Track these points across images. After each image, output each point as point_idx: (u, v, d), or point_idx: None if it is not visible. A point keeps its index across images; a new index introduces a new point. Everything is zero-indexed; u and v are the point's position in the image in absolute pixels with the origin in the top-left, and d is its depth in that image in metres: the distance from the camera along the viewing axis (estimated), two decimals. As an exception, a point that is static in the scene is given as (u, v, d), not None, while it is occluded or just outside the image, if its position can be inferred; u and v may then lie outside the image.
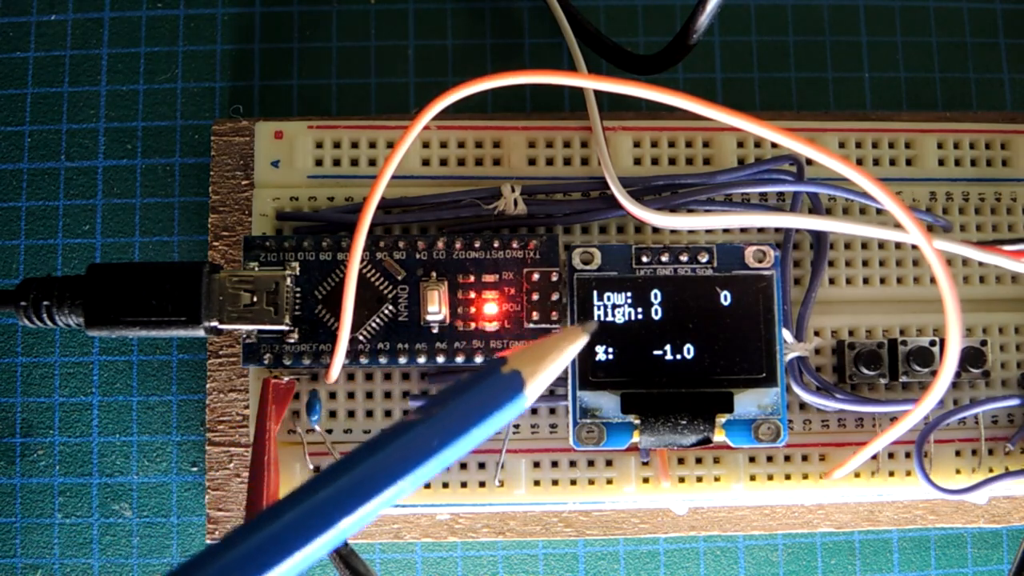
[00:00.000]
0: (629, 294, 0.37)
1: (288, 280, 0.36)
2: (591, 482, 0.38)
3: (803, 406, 0.39)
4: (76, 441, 0.43)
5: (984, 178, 0.41)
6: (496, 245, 0.37)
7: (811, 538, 0.44)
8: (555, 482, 0.39)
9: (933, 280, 0.40)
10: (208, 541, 0.40)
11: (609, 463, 0.39)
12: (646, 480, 0.39)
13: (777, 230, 0.40)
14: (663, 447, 0.37)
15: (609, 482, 0.38)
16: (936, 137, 0.41)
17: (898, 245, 0.40)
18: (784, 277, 0.38)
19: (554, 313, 0.37)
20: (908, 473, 0.39)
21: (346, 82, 0.45)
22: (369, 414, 0.39)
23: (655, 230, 0.39)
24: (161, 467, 0.43)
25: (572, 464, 0.39)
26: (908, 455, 0.39)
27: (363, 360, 0.37)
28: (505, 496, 0.38)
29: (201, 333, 0.35)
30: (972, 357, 0.39)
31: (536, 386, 0.27)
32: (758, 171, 0.39)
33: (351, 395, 0.39)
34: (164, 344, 0.43)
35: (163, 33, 0.45)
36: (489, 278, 0.37)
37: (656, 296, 0.37)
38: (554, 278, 0.37)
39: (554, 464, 0.39)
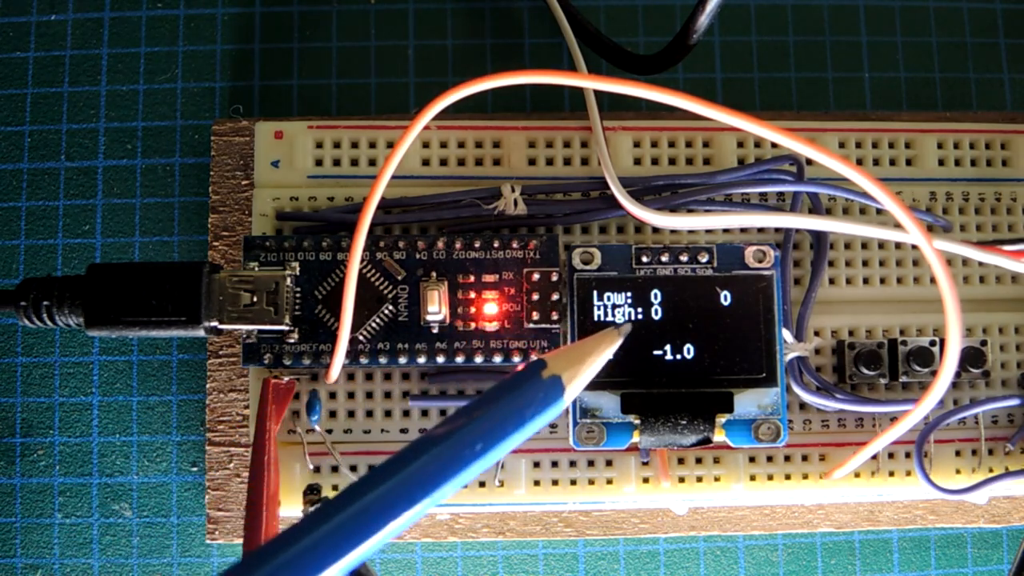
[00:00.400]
0: (629, 294, 0.37)
1: (288, 280, 0.36)
2: (591, 482, 0.38)
3: (803, 406, 0.39)
4: (76, 441, 0.43)
5: (984, 178, 0.41)
6: (496, 245, 0.37)
7: (811, 538, 0.44)
8: (555, 482, 0.39)
9: (933, 280, 0.40)
10: (208, 541, 0.40)
11: (609, 463, 0.39)
12: (646, 480, 0.39)
13: (777, 230, 0.40)
14: (663, 447, 0.37)
15: (609, 482, 0.38)
16: (936, 137, 0.41)
17: (898, 245, 0.40)
18: (784, 277, 0.38)
19: (554, 313, 0.37)
20: (908, 473, 0.39)
21: (346, 82, 0.45)
22: (369, 414, 0.39)
23: (655, 230, 0.39)
24: (161, 467, 0.43)
25: (572, 464, 0.39)
26: (908, 455, 0.39)
27: (363, 360, 0.37)
28: (505, 496, 0.38)
29: (201, 333, 0.35)
30: (972, 357, 0.39)
31: (574, 389, 0.27)
32: (758, 171, 0.39)
33: (351, 395, 0.39)
34: (164, 344, 0.43)
35: (163, 33, 0.45)
36: (489, 278, 0.37)
37: (656, 296, 0.37)
38: (554, 278, 0.37)
39: (554, 464, 0.39)
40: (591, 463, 0.39)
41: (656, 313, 0.37)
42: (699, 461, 0.39)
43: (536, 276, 0.37)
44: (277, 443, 0.36)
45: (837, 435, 0.39)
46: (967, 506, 0.40)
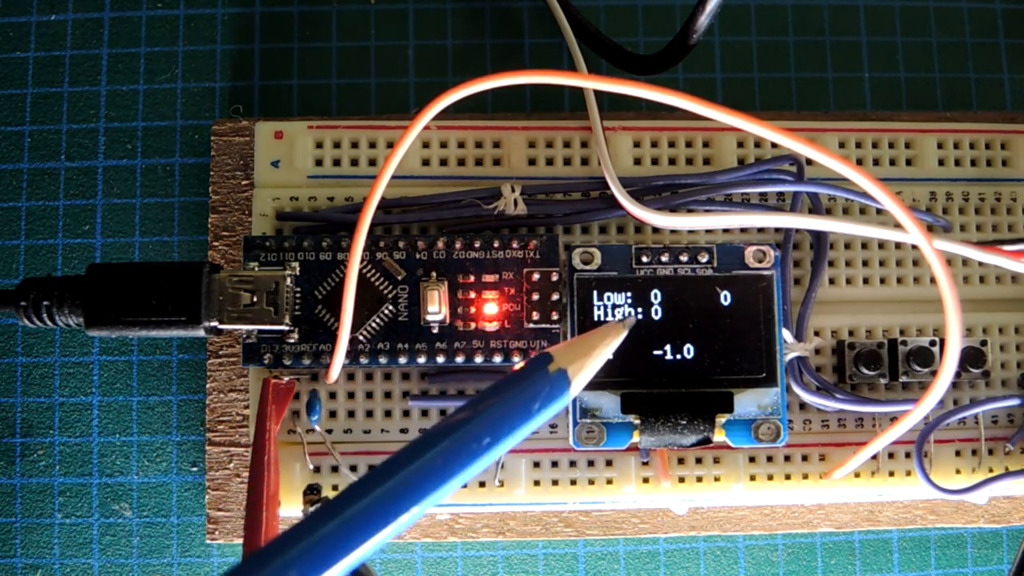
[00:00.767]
0: (629, 294, 0.37)
1: (288, 280, 0.36)
2: (591, 482, 0.38)
3: (803, 406, 0.39)
4: (76, 441, 0.43)
5: (984, 178, 0.41)
6: (496, 245, 0.37)
7: (811, 538, 0.44)
8: (555, 482, 0.39)
9: (933, 280, 0.40)
10: (208, 541, 0.40)
11: (609, 463, 0.39)
12: (646, 480, 0.39)
13: (777, 230, 0.40)
14: (663, 447, 0.37)
15: (609, 482, 0.38)
16: (936, 137, 0.41)
17: (898, 245, 0.40)
18: (784, 277, 0.38)
19: (554, 313, 0.37)
20: (908, 473, 0.39)
21: (346, 82, 0.45)
22: (369, 414, 0.39)
23: (655, 230, 0.39)
24: (161, 467, 0.43)
25: (572, 464, 0.39)
26: (908, 455, 0.39)
27: (363, 360, 0.37)
28: (505, 496, 0.38)
29: (201, 333, 0.35)
30: (972, 357, 0.39)
31: (580, 382, 0.28)
32: (758, 171, 0.39)
33: (351, 395, 0.39)
34: (164, 344, 0.43)
35: (163, 33, 0.45)
36: (489, 278, 0.37)
37: (656, 296, 0.37)
38: (554, 278, 0.37)
39: (554, 464, 0.39)
40: (591, 463, 0.39)
41: (656, 313, 0.37)
42: (699, 461, 0.39)
43: (536, 276, 0.37)
44: (277, 443, 0.36)
45: (837, 435, 0.39)
46: (967, 506, 0.40)
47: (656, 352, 0.37)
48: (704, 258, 0.37)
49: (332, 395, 0.39)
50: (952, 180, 0.41)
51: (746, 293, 0.37)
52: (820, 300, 0.39)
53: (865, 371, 0.38)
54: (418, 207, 0.39)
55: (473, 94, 0.34)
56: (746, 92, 0.46)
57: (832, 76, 0.46)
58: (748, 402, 0.36)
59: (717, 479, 0.39)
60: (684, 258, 0.37)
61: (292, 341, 0.36)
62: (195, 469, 0.43)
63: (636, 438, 0.36)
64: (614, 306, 0.37)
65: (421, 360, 0.37)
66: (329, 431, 0.38)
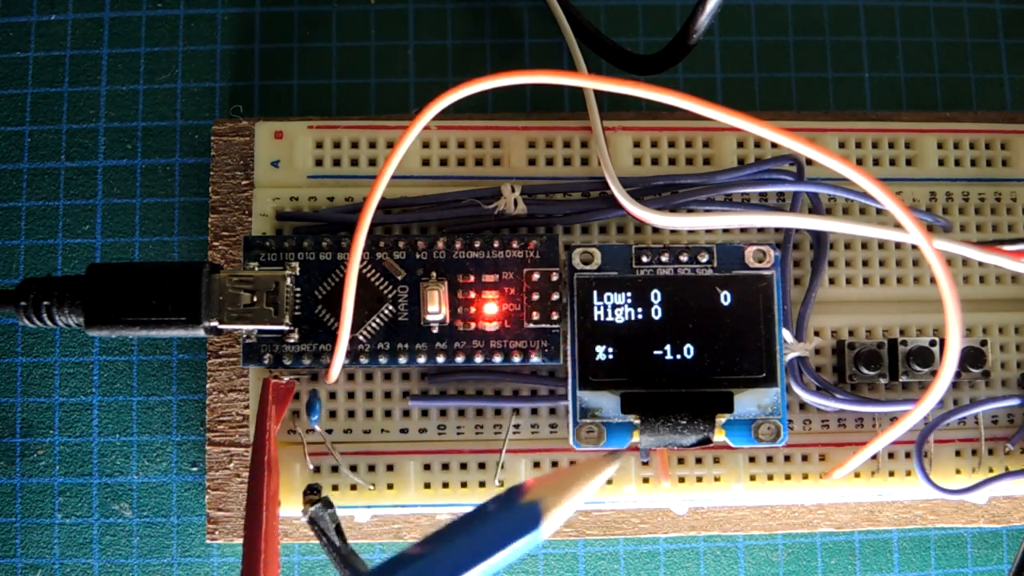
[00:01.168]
0: (629, 294, 0.37)
1: (288, 280, 0.36)
2: (591, 482, 0.38)
3: (803, 406, 0.39)
4: (76, 441, 0.43)
5: (984, 178, 0.41)
6: (496, 245, 0.37)
7: (811, 538, 0.44)
8: (555, 482, 0.38)
9: (933, 280, 0.40)
10: (208, 541, 0.40)
11: (609, 463, 0.39)
12: (646, 480, 0.39)
13: (777, 230, 0.40)
14: (663, 447, 0.37)
15: (609, 482, 0.38)
16: (936, 137, 0.41)
17: (898, 245, 0.40)
18: (784, 277, 0.38)
19: (554, 313, 0.37)
20: (908, 473, 0.39)
21: (346, 82, 0.45)
22: (369, 414, 0.39)
23: (655, 230, 0.39)
24: (161, 467, 0.43)
25: (572, 464, 0.39)
26: (908, 455, 0.39)
27: (363, 360, 0.37)
28: (505, 496, 0.38)
29: (201, 333, 0.35)
30: (972, 357, 0.39)
31: (554, 520, 0.26)
32: (758, 171, 0.39)
33: (351, 395, 0.39)
34: (164, 344, 0.43)
35: (163, 33, 0.45)
36: (489, 278, 0.37)
37: (656, 296, 0.37)
38: (554, 278, 0.37)
39: (554, 464, 0.39)
40: (591, 463, 0.39)
41: (656, 313, 0.37)
42: (699, 461, 0.39)
43: (536, 276, 0.37)
44: (277, 443, 0.36)
45: (837, 435, 0.39)
46: (967, 506, 0.40)
47: (656, 352, 0.37)
48: (704, 258, 0.37)
49: (332, 395, 0.39)
50: (952, 180, 0.41)
51: (746, 293, 0.37)
52: (820, 300, 0.39)
53: (865, 371, 0.38)
54: (418, 207, 0.39)
55: (473, 94, 0.34)
56: (746, 92, 0.46)
57: (832, 76, 0.46)
58: (748, 402, 0.36)
59: (717, 479, 0.39)
60: (684, 258, 0.37)
61: (292, 341, 0.36)
62: (195, 469, 0.43)
63: (636, 438, 0.36)
64: (614, 306, 0.37)
65: (421, 360, 0.37)
66: (329, 431, 0.38)
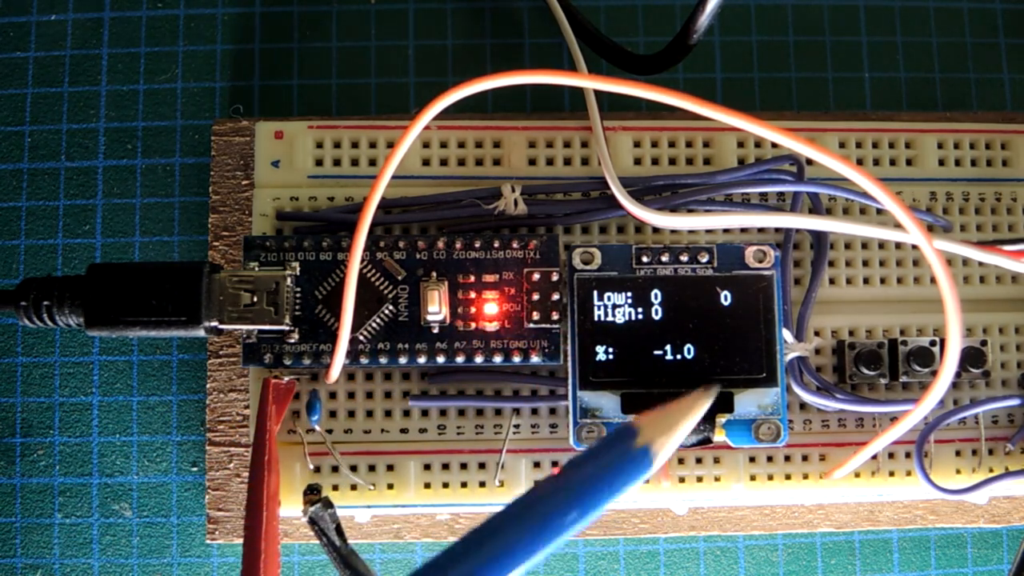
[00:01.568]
0: (629, 294, 0.37)
1: (288, 280, 0.36)
2: (591, 482, 0.38)
3: (803, 406, 0.39)
4: (76, 441, 0.43)
5: (984, 178, 0.41)
6: (496, 245, 0.37)
7: (811, 538, 0.44)
8: (555, 482, 0.38)
9: (933, 280, 0.40)
10: (208, 541, 0.40)
11: (609, 463, 0.39)
12: (646, 480, 0.38)
13: (777, 230, 0.40)
14: (663, 447, 0.37)
15: (609, 482, 0.38)
16: (936, 137, 0.41)
17: (898, 245, 0.40)
18: (784, 277, 0.38)
19: (554, 313, 0.37)
20: (908, 473, 0.39)
21: (346, 82, 0.45)
22: (369, 414, 0.39)
23: (655, 230, 0.39)
24: (161, 467, 0.43)
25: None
26: (908, 455, 0.39)
27: (363, 360, 0.37)
28: (505, 496, 0.38)
29: (201, 333, 0.35)
30: (972, 357, 0.39)
31: (663, 456, 0.28)
32: (758, 171, 0.39)
33: (351, 395, 0.39)
34: (164, 344, 0.43)
35: (163, 33, 0.45)
36: (489, 278, 0.37)
37: (656, 296, 0.37)
38: (554, 278, 0.37)
39: (554, 464, 0.39)
40: (591, 463, 0.39)
41: (656, 313, 0.37)
42: (699, 461, 0.39)
43: (536, 276, 0.37)
44: (277, 443, 0.36)
45: (837, 435, 0.39)
46: (967, 506, 0.40)
47: (656, 352, 0.37)
48: (704, 258, 0.37)
49: (332, 395, 0.39)
50: (952, 180, 0.41)
51: (746, 293, 0.37)
52: (820, 300, 0.39)
53: (865, 371, 0.38)
54: (418, 207, 0.39)
55: (473, 94, 0.34)
56: (746, 92, 0.46)
57: (832, 76, 0.46)
58: (748, 402, 0.36)
59: (717, 479, 0.39)
60: (684, 258, 0.37)
61: (292, 341, 0.36)
62: (195, 469, 0.43)
63: (636, 438, 0.36)
64: (614, 306, 0.37)
65: (421, 360, 0.37)
66: (329, 431, 0.38)
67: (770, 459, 0.39)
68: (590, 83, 0.36)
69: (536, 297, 0.37)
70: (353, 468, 0.38)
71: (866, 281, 0.40)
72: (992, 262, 0.37)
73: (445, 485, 0.38)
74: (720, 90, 0.46)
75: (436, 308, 0.36)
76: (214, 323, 0.35)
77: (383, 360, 0.37)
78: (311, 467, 0.38)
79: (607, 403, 0.36)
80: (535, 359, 0.37)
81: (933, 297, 0.40)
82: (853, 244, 0.40)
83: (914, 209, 0.40)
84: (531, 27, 0.46)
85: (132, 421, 0.43)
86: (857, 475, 0.39)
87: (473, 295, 0.37)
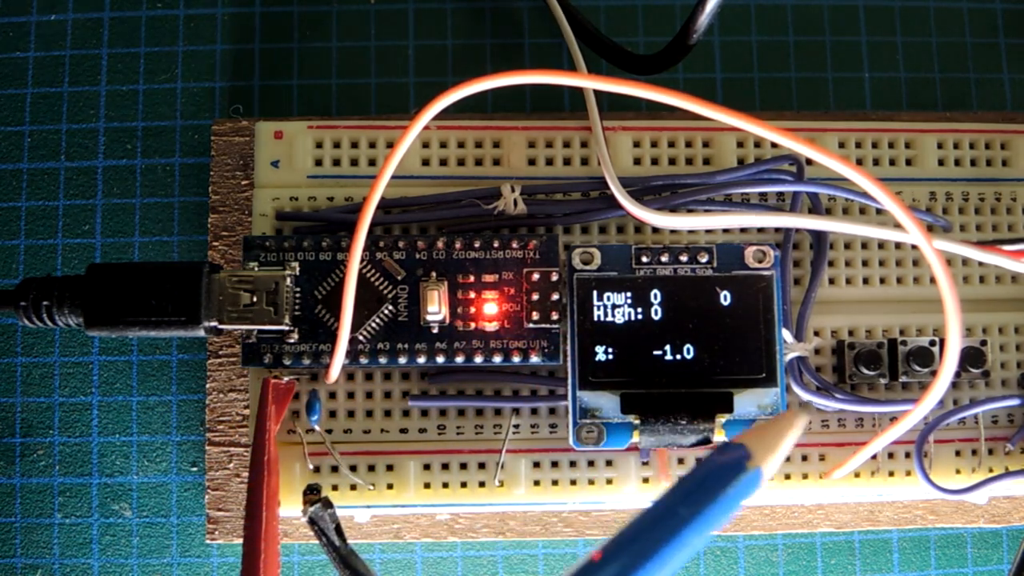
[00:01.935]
0: (629, 294, 0.37)
1: (288, 280, 0.36)
2: (591, 482, 0.38)
3: (803, 406, 0.39)
4: (76, 441, 0.43)
5: (984, 178, 0.41)
6: (496, 245, 0.37)
7: (811, 538, 0.44)
8: (555, 482, 0.39)
9: (933, 280, 0.39)
10: (208, 541, 0.40)
11: (609, 463, 0.39)
12: (646, 480, 0.39)
13: (777, 230, 0.40)
14: (663, 447, 0.37)
15: (609, 482, 0.38)
16: (936, 137, 0.41)
17: (898, 245, 0.40)
18: (784, 277, 0.38)
19: (554, 313, 0.37)
20: (908, 473, 0.39)
21: (346, 82, 0.45)
22: (369, 414, 0.39)
23: (655, 230, 0.39)
24: (161, 467, 0.43)
25: (572, 464, 0.39)
26: (908, 455, 0.39)
27: (363, 360, 0.37)
28: (505, 496, 0.38)
29: (201, 333, 0.35)
30: (972, 357, 0.39)
31: (770, 475, 0.29)
32: (758, 171, 0.39)
33: (351, 395, 0.39)
34: (164, 344, 0.43)
35: (163, 33, 0.45)
36: (489, 278, 0.37)
37: (656, 296, 0.37)
38: (554, 278, 0.37)
39: (554, 464, 0.39)
40: (591, 463, 0.39)
41: (656, 313, 0.37)
42: (699, 461, 0.39)
43: (536, 276, 0.37)
44: (277, 443, 0.36)
45: (837, 435, 0.39)
46: (967, 506, 0.40)
47: (656, 352, 0.37)
48: (704, 258, 0.37)
49: (332, 395, 0.39)
50: (952, 180, 0.41)
51: (746, 293, 0.37)
52: (820, 300, 0.39)
53: (865, 371, 0.38)
54: (418, 207, 0.39)
55: (473, 94, 0.34)
56: (746, 92, 0.46)
57: (832, 76, 0.46)
58: (748, 402, 0.36)
59: (717, 479, 0.39)
60: (684, 258, 0.37)
61: (292, 341, 0.36)
62: (195, 469, 0.43)
63: (636, 438, 0.36)
64: (614, 306, 0.37)
65: (421, 360, 0.37)
66: (329, 431, 0.38)
67: (770, 459, 0.39)
68: (590, 83, 0.36)
69: (536, 297, 0.37)
70: (353, 468, 0.38)
71: (866, 281, 0.40)
72: (992, 262, 0.37)
73: (445, 485, 0.38)
74: (720, 90, 0.46)
75: (436, 308, 0.36)
76: (214, 323, 0.35)
77: (383, 360, 0.37)
78: (311, 467, 0.38)
79: (607, 403, 0.36)
80: (535, 359, 0.37)
81: (933, 297, 0.40)
82: (853, 244, 0.40)
83: (914, 209, 0.40)
84: (531, 27, 0.46)
85: (132, 421, 0.43)
86: (857, 475, 0.39)
87: (473, 295, 0.37)
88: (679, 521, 0.27)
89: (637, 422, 0.36)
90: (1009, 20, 0.47)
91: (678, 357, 0.37)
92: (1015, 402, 0.39)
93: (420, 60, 0.45)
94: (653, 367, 0.37)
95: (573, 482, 0.39)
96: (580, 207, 0.39)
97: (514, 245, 0.37)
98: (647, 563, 0.26)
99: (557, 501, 0.39)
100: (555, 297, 0.37)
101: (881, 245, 0.40)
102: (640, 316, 0.37)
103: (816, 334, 0.39)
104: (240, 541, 0.34)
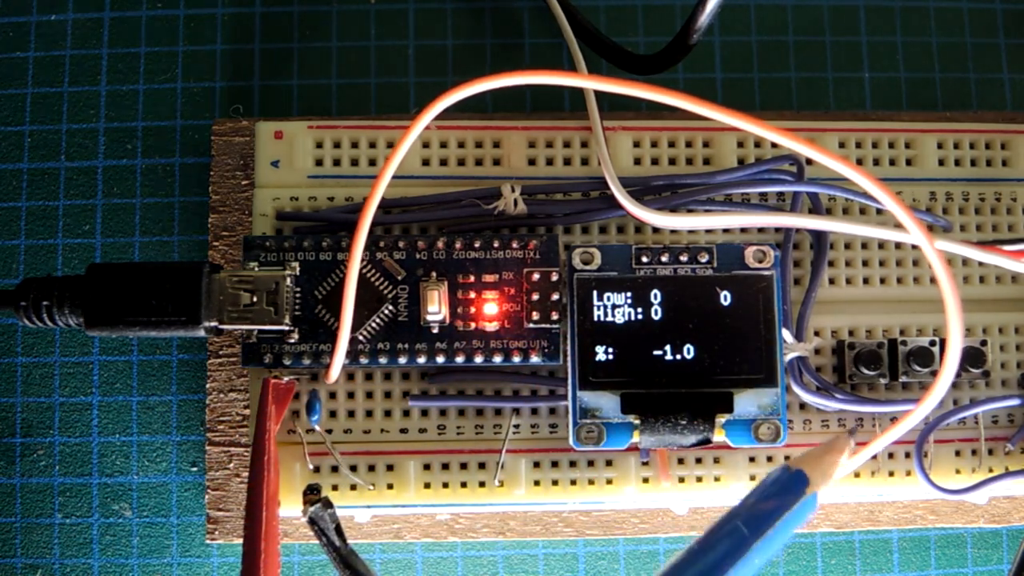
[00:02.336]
0: (629, 294, 0.37)
1: (288, 280, 0.36)
2: (591, 482, 0.38)
3: (803, 406, 0.39)
4: (76, 441, 0.43)
5: (984, 178, 0.41)
6: (496, 245, 0.37)
7: (811, 538, 0.44)
8: (555, 482, 0.39)
9: (933, 280, 0.40)
10: (208, 541, 0.40)
11: (609, 463, 0.39)
12: (646, 480, 0.39)
13: (777, 230, 0.40)
14: (663, 447, 0.37)
15: (609, 482, 0.38)
16: (936, 137, 0.41)
17: (898, 245, 0.40)
18: (784, 277, 0.38)
19: (554, 313, 0.37)
20: (908, 473, 0.39)
21: (346, 82, 0.45)
22: (369, 414, 0.39)
23: (655, 230, 0.39)
24: (161, 467, 0.43)
25: (572, 464, 0.39)
26: (908, 455, 0.39)
27: (363, 360, 0.37)
28: (505, 496, 0.38)
29: (201, 333, 0.35)
30: (972, 357, 0.39)
31: (823, 497, 0.31)
32: (758, 171, 0.39)
33: (351, 395, 0.39)
34: (164, 344, 0.43)
35: (163, 33, 0.45)
36: (489, 278, 0.37)
37: (656, 296, 0.37)
38: (554, 278, 0.37)
39: (554, 464, 0.39)
40: (591, 463, 0.39)
41: (656, 313, 0.37)
42: (699, 461, 0.39)
43: (536, 276, 0.37)
44: (277, 443, 0.36)
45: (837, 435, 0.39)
46: (967, 506, 0.40)
47: (656, 352, 0.37)
48: (704, 258, 0.37)
49: (332, 395, 0.39)
50: (952, 180, 0.41)
51: (746, 293, 0.37)
52: (820, 300, 0.39)
53: (865, 371, 0.38)
54: (418, 207, 0.39)
55: (474, 94, 0.34)
56: (746, 92, 0.46)
57: (832, 76, 0.46)
58: (748, 402, 0.36)
59: (717, 479, 0.39)
60: (684, 258, 0.37)
61: (292, 341, 0.36)
62: (195, 469, 0.43)
63: (636, 438, 0.36)
64: (614, 306, 0.37)
65: (421, 360, 0.37)
66: (329, 431, 0.38)
67: (770, 459, 0.39)
68: (590, 83, 0.36)
69: (536, 297, 0.37)
70: (353, 468, 0.38)
71: (866, 281, 0.40)
72: (992, 262, 0.37)
73: (445, 485, 0.38)
74: (720, 90, 0.46)
75: (436, 308, 0.36)
76: (214, 323, 0.35)
77: (383, 360, 0.37)
78: (311, 467, 0.38)
79: (607, 403, 0.36)
80: (535, 359, 0.37)
81: (933, 297, 0.40)
82: (853, 244, 0.40)
83: (914, 209, 0.40)
84: (531, 27, 0.46)
85: (132, 421, 0.43)
86: (857, 475, 0.39)
87: (473, 295, 0.37)
88: (744, 546, 0.28)
89: (637, 422, 0.36)
90: (1009, 20, 0.47)
91: (678, 357, 0.37)
92: (1015, 402, 0.39)
93: (420, 60, 0.45)
94: (653, 367, 0.37)
95: (573, 482, 0.39)
96: (580, 207, 0.39)
97: (514, 245, 0.37)
98: None
99: (557, 501, 0.39)
100: (555, 297, 0.37)
101: (881, 245, 0.40)
102: (640, 316, 0.37)
103: (816, 334, 0.39)
104: (240, 541, 0.34)
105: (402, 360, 0.37)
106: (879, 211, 0.40)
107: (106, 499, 0.43)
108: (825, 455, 0.32)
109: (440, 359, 0.37)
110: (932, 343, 0.38)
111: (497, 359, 0.37)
